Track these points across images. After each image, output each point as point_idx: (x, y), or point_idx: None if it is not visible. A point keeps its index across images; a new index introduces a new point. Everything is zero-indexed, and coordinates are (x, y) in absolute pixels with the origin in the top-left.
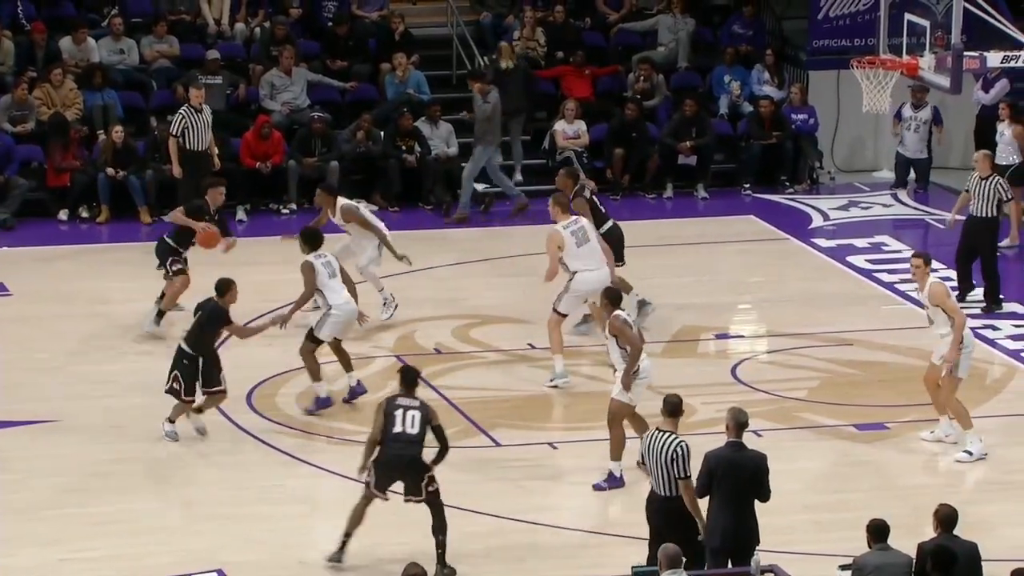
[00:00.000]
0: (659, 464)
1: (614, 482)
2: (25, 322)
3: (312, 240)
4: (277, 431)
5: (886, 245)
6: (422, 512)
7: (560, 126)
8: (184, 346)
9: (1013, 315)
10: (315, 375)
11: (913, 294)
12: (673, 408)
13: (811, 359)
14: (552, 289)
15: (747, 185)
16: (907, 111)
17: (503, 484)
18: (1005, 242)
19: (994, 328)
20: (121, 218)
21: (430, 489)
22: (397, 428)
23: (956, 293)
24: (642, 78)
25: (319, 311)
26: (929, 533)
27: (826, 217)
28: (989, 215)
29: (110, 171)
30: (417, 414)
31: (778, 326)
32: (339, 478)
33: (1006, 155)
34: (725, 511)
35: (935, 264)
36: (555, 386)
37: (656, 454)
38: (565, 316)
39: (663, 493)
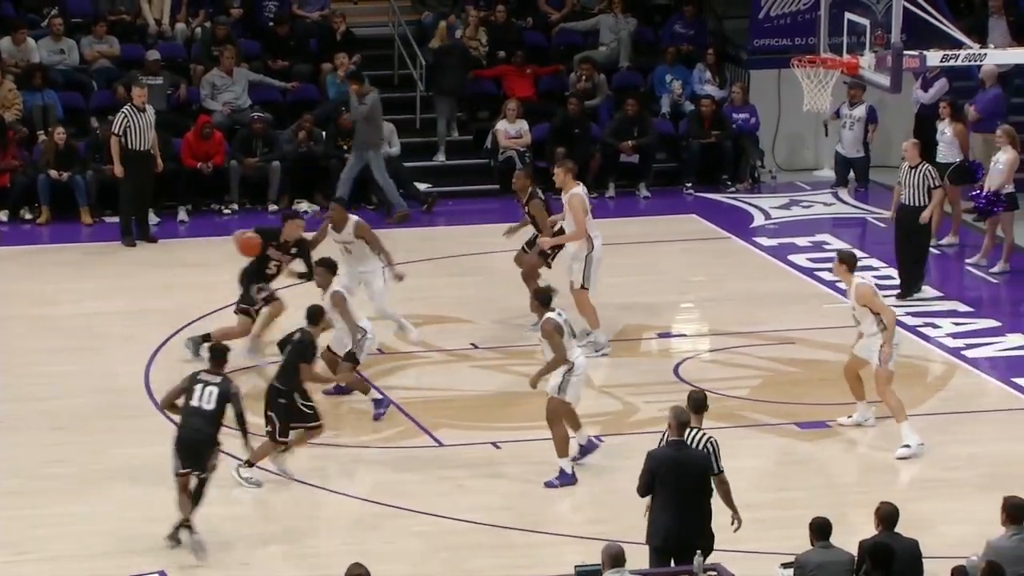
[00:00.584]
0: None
1: (566, 479)
2: None
3: (334, 268)
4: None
5: (827, 244)
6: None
7: (502, 126)
8: (278, 384)
9: (953, 313)
10: (365, 389)
11: None
12: (698, 404)
13: (753, 358)
14: (491, 286)
15: (689, 184)
16: (844, 109)
17: (446, 484)
18: (947, 239)
19: (934, 326)
20: (62, 219)
21: (212, 465)
22: (194, 402)
23: (899, 291)
24: (584, 78)
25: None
26: (871, 531)
27: (767, 216)
28: (921, 204)
29: (53, 173)
30: (215, 390)
31: (720, 325)
32: (284, 480)
33: (947, 154)
34: (667, 511)
35: (877, 263)
36: (605, 354)
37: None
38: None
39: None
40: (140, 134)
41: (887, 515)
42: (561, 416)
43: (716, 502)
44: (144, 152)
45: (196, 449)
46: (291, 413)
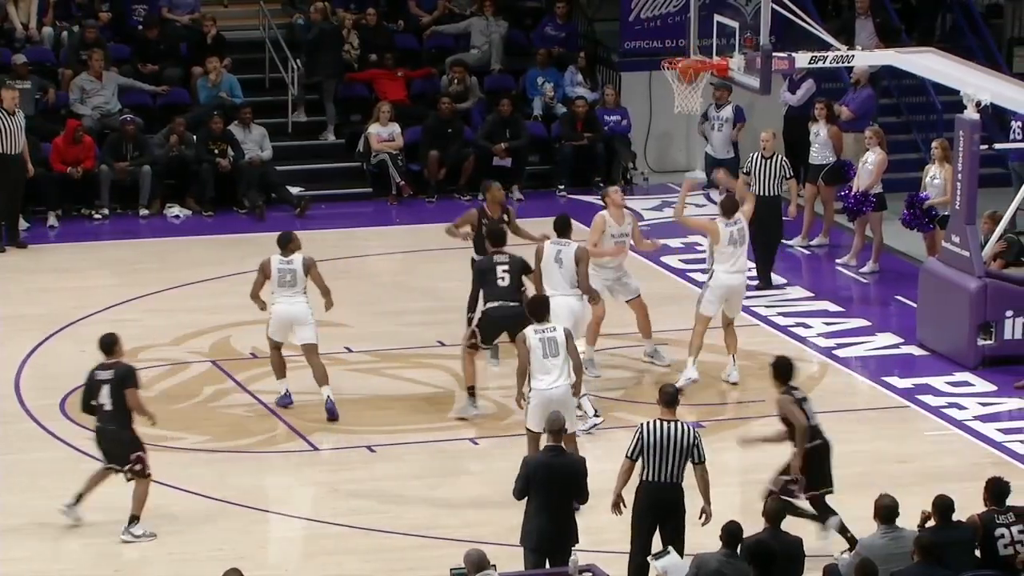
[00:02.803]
0: (672, 451)
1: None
2: None
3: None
4: (91, 438)
5: (699, 245)
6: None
7: (374, 129)
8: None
9: (824, 312)
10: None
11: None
12: (670, 398)
13: (627, 359)
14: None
15: (562, 186)
16: (711, 111)
17: (320, 488)
18: (817, 239)
19: (806, 326)
20: None
21: (136, 468)
22: (97, 400)
23: (758, 283)
24: (455, 80)
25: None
26: (755, 531)
27: (640, 218)
28: (775, 194)
29: None
30: (107, 387)
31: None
32: (159, 485)
33: (820, 155)
34: (542, 514)
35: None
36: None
37: (667, 442)
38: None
39: (666, 480)
40: (11, 137)
41: (773, 512)
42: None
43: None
44: (14, 156)
45: (108, 447)
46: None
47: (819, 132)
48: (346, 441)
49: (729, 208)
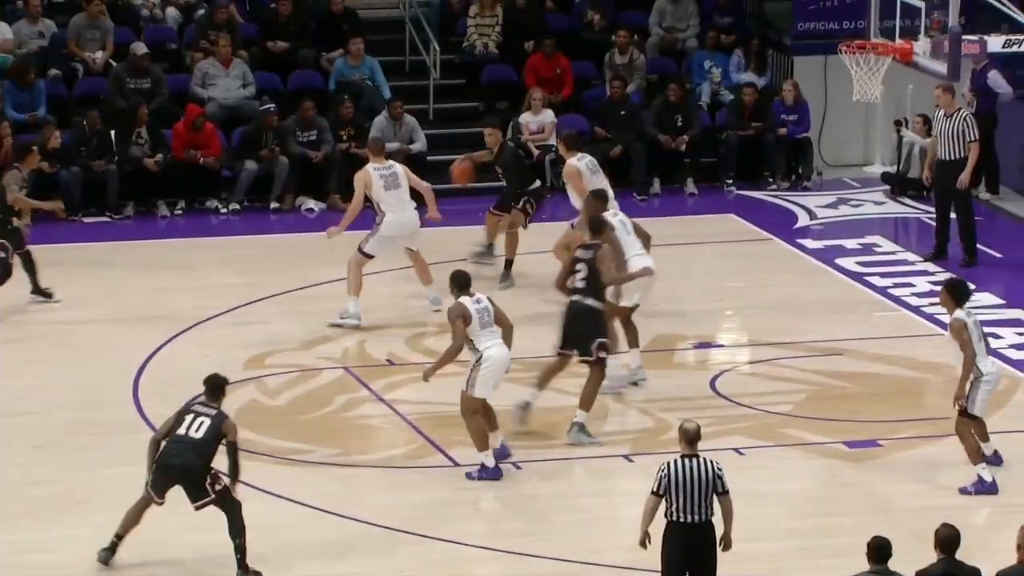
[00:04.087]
0: (698, 487)
1: (487, 473)
2: None
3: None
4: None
5: (878, 246)
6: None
7: (524, 118)
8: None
9: (1017, 322)
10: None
11: (909, 299)
12: (692, 436)
13: (797, 370)
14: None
15: (730, 181)
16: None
17: (460, 508)
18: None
19: (996, 336)
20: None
21: (216, 488)
22: (181, 431)
23: (932, 253)
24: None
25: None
26: (928, 559)
27: (813, 216)
28: (958, 157)
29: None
30: (207, 421)
31: (761, 334)
32: (280, 500)
33: None
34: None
35: (933, 268)
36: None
37: (691, 479)
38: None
39: (696, 520)
40: None
41: (946, 539)
42: (474, 411)
43: None
44: None
45: (176, 479)
46: None
47: None
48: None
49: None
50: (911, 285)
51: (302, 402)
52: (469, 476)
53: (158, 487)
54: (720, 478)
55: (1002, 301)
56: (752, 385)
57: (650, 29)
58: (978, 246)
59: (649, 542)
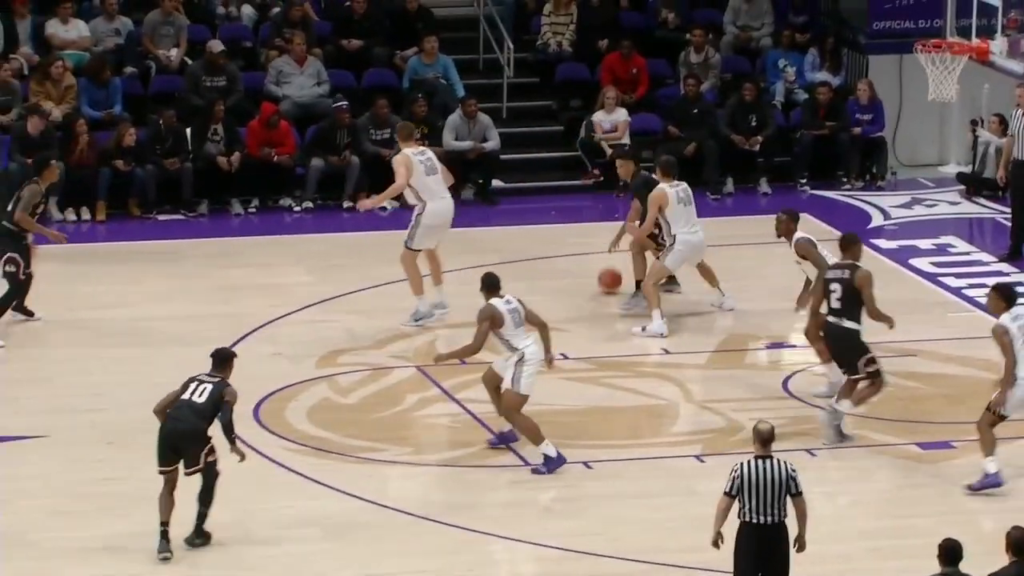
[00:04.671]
0: (771, 489)
1: (552, 463)
2: None
3: None
4: (286, 448)
5: (952, 247)
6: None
7: (598, 116)
8: None
9: None
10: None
11: (984, 300)
12: (766, 437)
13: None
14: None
15: (804, 180)
16: None
17: (531, 507)
18: None
19: None
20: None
21: (209, 459)
22: (185, 396)
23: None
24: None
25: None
26: (1002, 562)
27: (887, 216)
28: None
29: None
30: (209, 387)
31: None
32: (353, 499)
33: None
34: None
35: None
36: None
37: (764, 480)
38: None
39: (769, 520)
40: None
41: (1018, 541)
42: (519, 408)
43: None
44: None
45: (177, 442)
46: None
47: None
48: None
49: (668, 169)
50: (985, 286)
51: (374, 400)
52: (536, 471)
53: (162, 453)
54: (794, 479)
55: None
56: (825, 386)
57: (724, 27)
58: None
59: (722, 542)
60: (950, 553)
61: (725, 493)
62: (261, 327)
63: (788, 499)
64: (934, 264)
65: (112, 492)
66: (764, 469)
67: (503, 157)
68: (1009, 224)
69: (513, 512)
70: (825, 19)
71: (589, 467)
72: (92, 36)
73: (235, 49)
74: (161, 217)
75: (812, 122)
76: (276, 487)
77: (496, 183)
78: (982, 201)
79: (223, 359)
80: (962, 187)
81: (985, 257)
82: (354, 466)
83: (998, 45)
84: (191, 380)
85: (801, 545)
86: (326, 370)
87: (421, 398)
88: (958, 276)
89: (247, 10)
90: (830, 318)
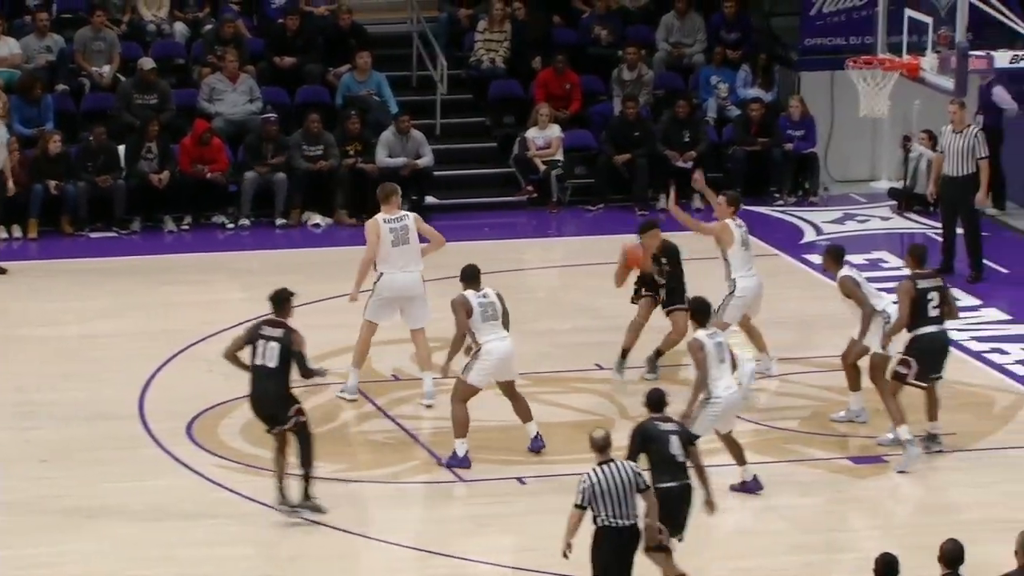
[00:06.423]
0: (621, 490)
1: (457, 461)
2: None
3: None
4: (219, 465)
5: (885, 262)
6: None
7: (531, 133)
8: None
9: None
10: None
11: None
12: (600, 445)
13: (803, 386)
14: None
15: None
16: None
17: (465, 523)
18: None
19: (1003, 352)
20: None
21: (300, 419)
22: (258, 360)
23: (940, 268)
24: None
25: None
26: (934, 575)
27: (819, 231)
28: (966, 172)
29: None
30: (275, 345)
31: (768, 350)
32: (278, 512)
33: None
34: None
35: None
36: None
37: (612, 483)
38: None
39: (626, 523)
40: None
41: (950, 553)
42: (463, 397)
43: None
44: None
45: (264, 408)
46: None
47: None
48: (494, 472)
49: (734, 203)
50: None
51: (309, 416)
52: (440, 463)
53: (259, 418)
54: (640, 475)
55: (1008, 316)
56: (759, 400)
57: (657, 44)
58: (984, 261)
59: (570, 552)
60: (887, 568)
61: (576, 505)
62: (195, 343)
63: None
64: (867, 279)
65: (49, 510)
66: (610, 473)
67: (437, 173)
68: (940, 239)
69: (449, 528)
70: (757, 36)
71: (523, 483)
72: (23, 53)
73: (167, 66)
74: (94, 234)
75: (744, 138)
76: (209, 505)
77: (430, 200)
78: (913, 216)
79: (281, 301)
80: (894, 203)
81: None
82: (289, 483)
83: (929, 61)
84: (257, 335)
85: (651, 536)
86: None
87: (356, 415)
88: (890, 291)
89: (179, 27)
90: (934, 327)
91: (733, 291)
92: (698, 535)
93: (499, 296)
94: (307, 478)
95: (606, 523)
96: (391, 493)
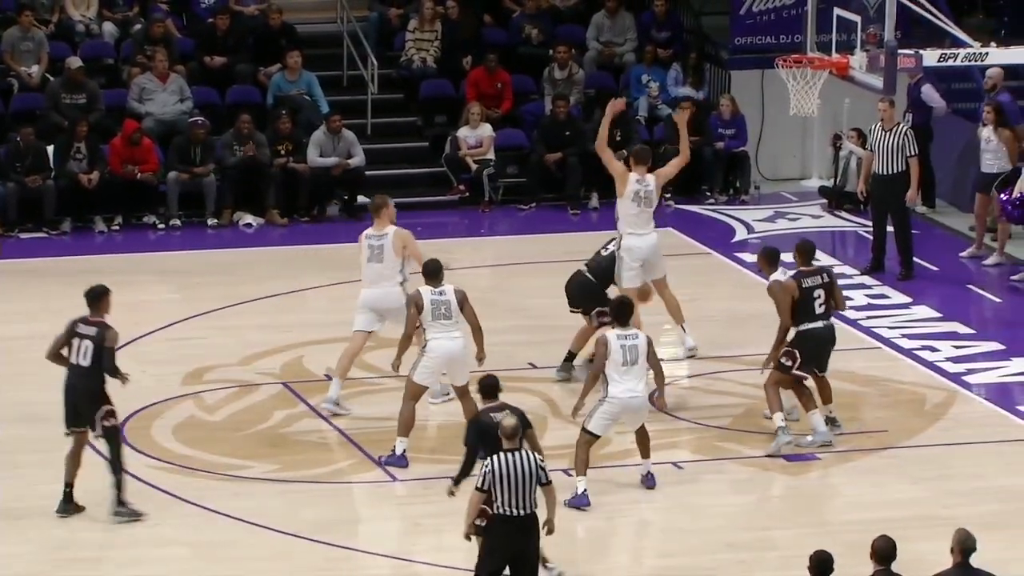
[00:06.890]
0: (521, 481)
1: (395, 460)
2: None
3: None
4: (152, 466)
5: (815, 260)
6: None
7: (463, 132)
8: None
9: (954, 335)
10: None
11: (846, 313)
12: (509, 433)
13: (736, 384)
14: None
15: (668, 195)
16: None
17: (400, 523)
18: (992, 259)
19: (933, 350)
20: None
21: (106, 424)
22: (73, 358)
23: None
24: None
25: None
26: (865, 572)
27: (751, 230)
28: (896, 171)
29: None
30: (89, 344)
31: (699, 348)
32: (220, 517)
33: (994, 163)
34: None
35: (871, 281)
36: None
37: (513, 472)
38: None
39: (521, 512)
40: None
41: (882, 550)
42: (412, 396)
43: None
44: None
45: (75, 404)
46: None
47: (990, 138)
48: (427, 472)
49: (642, 158)
50: (848, 299)
51: (240, 417)
52: (381, 458)
53: (66, 414)
54: (543, 469)
55: (938, 314)
56: (691, 399)
57: (588, 43)
58: (915, 259)
59: (474, 535)
60: (821, 565)
61: (477, 488)
62: (126, 344)
63: (538, 489)
64: None
65: None
66: (513, 462)
67: (368, 173)
68: (871, 237)
69: (382, 528)
70: (688, 35)
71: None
72: None
73: (97, 66)
74: (23, 235)
75: (675, 137)
76: (142, 506)
77: (362, 199)
78: (844, 215)
79: (95, 296)
80: (824, 201)
81: (848, 270)
82: (221, 484)
83: (858, 60)
84: (73, 332)
85: (550, 528)
86: (192, 387)
87: (288, 415)
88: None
89: (108, 27)
90: (819, 323)
91: (619, 246)
92: (630, 532)
93: (464, 296)
94: (118, 485)
95: (500, 510)
96: (324, 493)
